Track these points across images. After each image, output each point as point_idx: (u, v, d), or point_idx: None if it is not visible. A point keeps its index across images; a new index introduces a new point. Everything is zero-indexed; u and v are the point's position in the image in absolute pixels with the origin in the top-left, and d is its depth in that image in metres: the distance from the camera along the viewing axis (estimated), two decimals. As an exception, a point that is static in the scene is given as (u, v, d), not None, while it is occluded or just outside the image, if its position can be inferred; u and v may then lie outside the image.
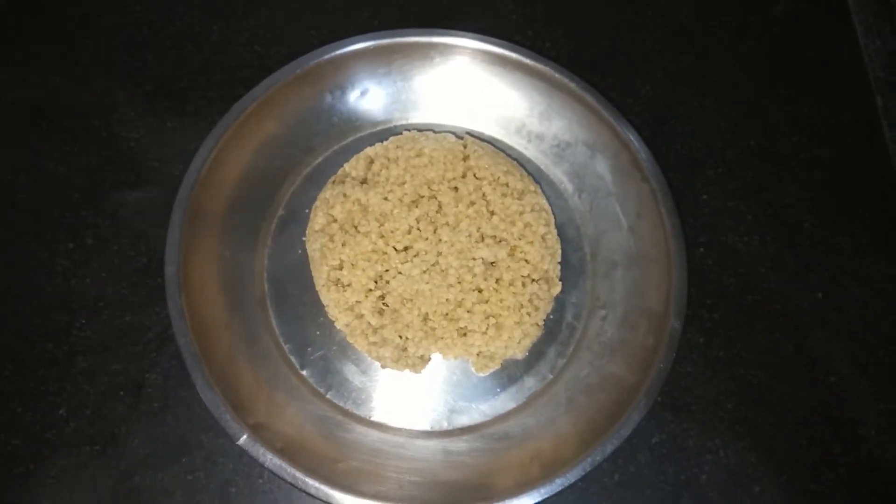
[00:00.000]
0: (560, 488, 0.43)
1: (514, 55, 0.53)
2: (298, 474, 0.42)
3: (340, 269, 0.49)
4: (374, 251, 0.49)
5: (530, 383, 0.50)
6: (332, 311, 0.49)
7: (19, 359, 0.48)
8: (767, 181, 0.58)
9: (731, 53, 0.63)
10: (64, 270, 0.50)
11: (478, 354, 0.49)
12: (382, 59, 0.54)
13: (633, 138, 0.52)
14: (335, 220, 0.50)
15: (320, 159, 0.54)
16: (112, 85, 0.56)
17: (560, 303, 0.52)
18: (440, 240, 0.49)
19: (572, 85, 0.53)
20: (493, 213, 0.51)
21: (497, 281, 0.49)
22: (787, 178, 0.58)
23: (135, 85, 0.56)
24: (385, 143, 0.53)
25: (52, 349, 0.48)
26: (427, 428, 0.48)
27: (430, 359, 0.49)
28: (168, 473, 0.46)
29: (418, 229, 0.49)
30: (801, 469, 0.50)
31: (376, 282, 0.49)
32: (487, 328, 0.48)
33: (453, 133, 0.55)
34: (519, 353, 0.49)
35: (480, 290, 0.49)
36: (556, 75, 0.53)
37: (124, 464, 0.46)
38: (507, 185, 0.52)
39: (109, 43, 0.57)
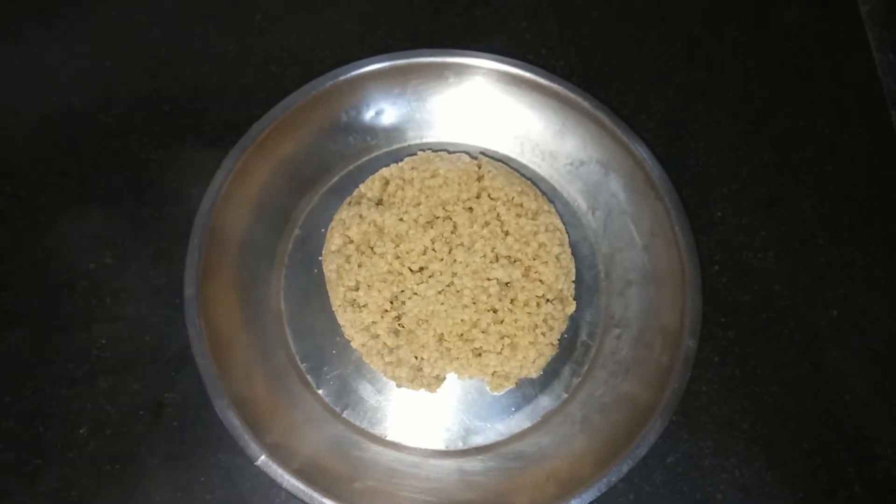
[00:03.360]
0: (575, 509, 0.43)
1: (527, 75, 0.54)
2: (316, 495, 0.43)
3: (356, 289, 0.49)
4: (389, 272, 0.49)
5: (545, 402, 0.50)
6: (348, 332, 0.49)
7: (41, 378, 0.49)
8: (781, 197, 0.58)
9: (744, 68, 0.63)
10: (84, 290, 0.51)
11: (493, 374, 0.49)
12: (397, 80, 0.54)
13: (646, 156, 0.52)
14: (351, 241, 0.50)
15: (336, 178, 0.55)
16: (130, 106, 0.57)
17: (574, 321, 0.52)
18: (455, 260, 0.50)
19: (586, 104, 0.53)
20: (507, 233, 0.51)
21: (512, 301, 0.49)
22: (800, 193, 0.58)
23: (152, 106, 0.57)
24: (400, 163, 0.54)
25: (72, 369, 0.49)
26: (442, 447, 0.49)
27: (445, 378, 0.50)
28: (187, 493, 0.47)
29: (433, 250, 0.50)
30: (817, 488, 0.50)
31: (392, 302, 0.49)
32: (502, 348, 0.48)
33: (468, 153, 0.55)
34: (534, 373, 0.50)
35: (495, 311, 0.49)
36: (570, 94, 0.53)
37: (144, 483, 0.47)
38: (521, 205, 0.52)
39: (128, 64, 0.58)
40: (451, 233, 0.51)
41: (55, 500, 0.46)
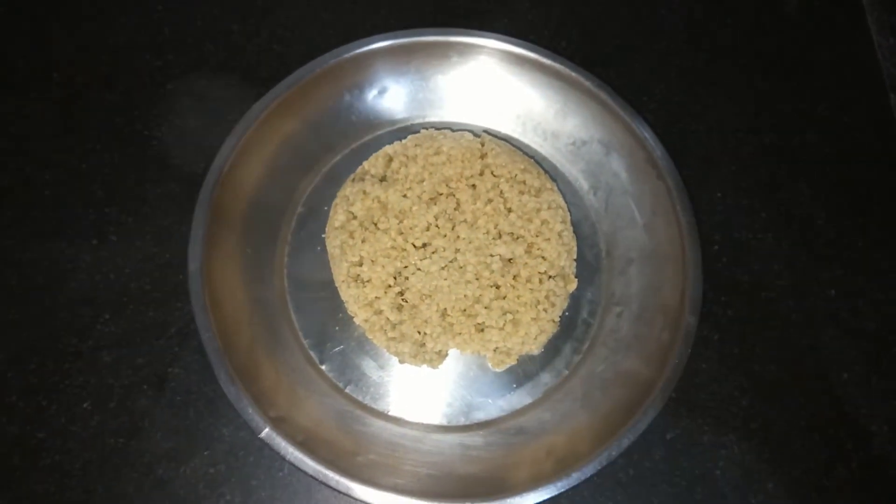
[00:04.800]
0: (575, 483, 0.44)
1: (530, 54, 0.54)
2: (319, 467, 0.43)
3: (360, 265, 0.49)
4: (393, 248, 0.49)
5: (546, 379, 0.50)
6: (352, 307, 0.49)
7: (44, 353, 0.49)
8: (781, 179, 0.59)
9: (745, 51, 0.63)
10: (88, 266, 0.51)
11: (494, 350, 0.49)
12: (401, 58, 0.54)
13: (647, 136, 0.52)
14: (355, 217, 0.51)
15: (339, 157, 0.55)
16: (134, 84, 0.57)
17: (576, 299, 0.52)
18: (458, 237, 0.50)
19: (588, 83, 0.53)
20: (510, 210, 0.51)
21: (514, 277, 0.50)
22: (800, 175, 0.59)
23: (156, 84, 0.57)
24: (404, 141, 0.54)
25: (76, 343, 0.49)
26: (444, 422, 0.49)
27: (447, 354, 0.50)
28: (190, 466, 0.47)
29: (437, 226, 0.50)
30: (814, 465, 0.50)
31: (395, 278, 0.49)
32: (504, 324, 0.49)
33: (471, 131, 0.55)
34: (535, 349, 0.50)
35: (498, 287, 0.49)
36: (572, 74, 0.53)
37: (148, 456, 0.47)
38: (523, 182, 0.52)
39: (132, 42, 0.58)
40: (455, 209, 0.51)
41: (59, 474, 0.46)
